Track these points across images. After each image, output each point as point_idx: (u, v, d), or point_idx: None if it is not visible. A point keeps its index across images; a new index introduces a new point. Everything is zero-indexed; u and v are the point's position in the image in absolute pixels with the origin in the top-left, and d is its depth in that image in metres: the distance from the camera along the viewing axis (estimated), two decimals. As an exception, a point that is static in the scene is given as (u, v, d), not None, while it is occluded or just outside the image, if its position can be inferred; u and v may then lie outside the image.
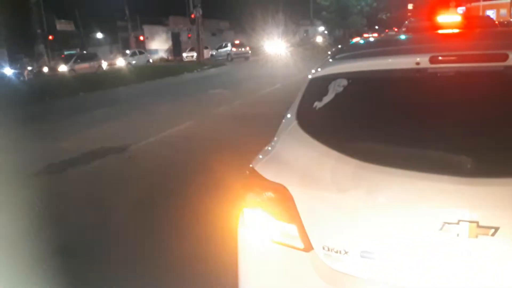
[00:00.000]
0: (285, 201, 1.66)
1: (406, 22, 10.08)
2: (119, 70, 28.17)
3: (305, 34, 56.02)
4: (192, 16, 30.49)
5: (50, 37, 34.54)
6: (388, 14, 55.20)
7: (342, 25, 52.94)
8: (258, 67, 19.66)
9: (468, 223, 1.37)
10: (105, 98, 15.06)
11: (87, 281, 3.07)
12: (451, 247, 1.41)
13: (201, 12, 30.37)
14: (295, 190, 1.65)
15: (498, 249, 1.37)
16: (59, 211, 4.47)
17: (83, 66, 28.60)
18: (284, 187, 1.66)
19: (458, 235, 1.39)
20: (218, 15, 43.76)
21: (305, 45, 42.88)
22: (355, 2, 53.29)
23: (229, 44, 36.68)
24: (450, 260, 1.43)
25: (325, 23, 57.42)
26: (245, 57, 36.02)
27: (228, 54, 35.67)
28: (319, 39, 52.36)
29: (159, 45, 47.01)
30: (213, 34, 46.38)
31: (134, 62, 34.55)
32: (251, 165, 1.87)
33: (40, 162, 6.32)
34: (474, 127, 1.54)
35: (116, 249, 3.55)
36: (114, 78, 21.26)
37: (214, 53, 37.26)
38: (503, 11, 34.87)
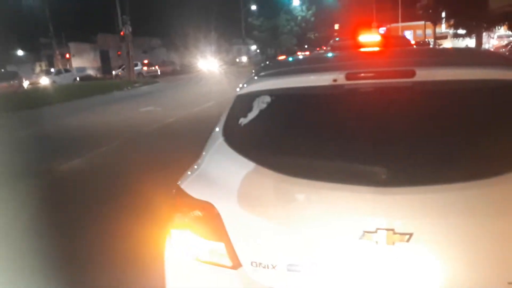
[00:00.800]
0: (212, 219, 1.65)
1: (331, 41, 10.60)
2: (43, 89, 26.62)
3: (237, 53, 56.89)
4: (122, 33, 29.73)
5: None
6: (316, 34, 57.70)
7: (274, 44, 54.51)
8: (191, 85, 19.55)
9: (385, 230, 1.43)
10: (27, 118, 14.15)
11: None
12: (372, 255, 1.47)
13: (130, 29, 29.68)
14: (222, 208, 1.65)
15: (413, 254, 1.44)
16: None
17: (1, 86, 26.63)
18: (211, 205, 1.66)
19: (377, 242, 1.45)
20: (150, 32, 43.10)
21: (238, 63, 43.46)
22: (285, 23, 55.21)
23: (139, 63, 37.65)
24: (372, 267, 1.48)
25: (257, 42, 58.80)
26: (154, 75, 37.42)
27: (140, 73, 36.27)
28: (251, 57, 53.48)
29: (87, 63, 45.24)
30: (144, 52, 45.56)
31: (59, 80, 32.89)
32: (178, 183, 1.85)
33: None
34: (388, 139, 1.61)
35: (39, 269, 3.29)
36: (36, 97, 20.02)
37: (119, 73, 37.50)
38: (419, 32, 37.90)
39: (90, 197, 5.27)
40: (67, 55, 44.94)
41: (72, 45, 45.89)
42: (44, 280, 3.27)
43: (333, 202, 1.53)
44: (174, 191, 1.83)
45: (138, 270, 3.15)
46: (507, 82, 1.71)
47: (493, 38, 23.41)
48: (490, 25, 19.45)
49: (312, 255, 1.54)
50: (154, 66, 39.66)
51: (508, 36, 19.58)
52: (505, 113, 1.70)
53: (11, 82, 27.63)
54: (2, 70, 32.77)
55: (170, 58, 44.14)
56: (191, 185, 1.79)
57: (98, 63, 46.05)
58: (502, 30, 20.34)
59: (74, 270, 3.39)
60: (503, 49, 20.08)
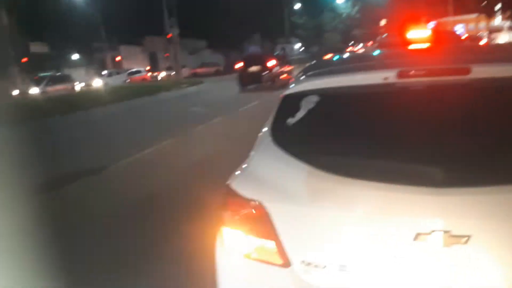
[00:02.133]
0: (262, 217, 1.66)
1: (379, 37, 10.38)
2: (95, 91, 27.84)
3: (282, 51, 56.87)
4: (168, 35, 30.52)
5: (24, 60, 34.01)
6: (363, 31, 56.50)
7: (318, 41, 53.92)
8: (235, 85, 19.79)
9: (441, 232, 1.40)
10: (78, 119, 14.86)
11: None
12: (426, 257, 1.43)
13: (177, 32, 30.41)
14: (272, 206, 1.66)
15: (471, 257, 1.40)
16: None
17: (57, 88, 28.12)
18: (261, 204, 1.67)
19: (432, 244, 1.41)
20: (196, 34, 43.93)
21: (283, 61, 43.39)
22: (329, 20, 54.47)
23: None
24: (426, 269, 1.44)
25: (301, 40, 58.41)
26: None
27: (125, 81, 36.65)
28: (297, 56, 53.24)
29: (136, 65, 46.90)
30: (191, 53, 46.52)
31: (111, 82, 34.28)
32: (227, 183, 1.87)
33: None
34: (443, 138, 1.58)
35: (99, 258, 3.48)
36: (87, 99, 20.95)
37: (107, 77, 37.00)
38: (471, 26, 36.22)
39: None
40: (118, 58, 46.72)
41: (122, 48, 47.64)
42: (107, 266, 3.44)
43: (386, 203, 1.50)
44: (224, 189, 1.86)
45: (191, 267, 3.22)
46: None
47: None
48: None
49: (364, 257, 1.52)
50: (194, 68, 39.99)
51: None
52: None
53: (65, 85, 29.20)
54: (58, 73, 34.57)
55: (215, 59, 44.71)
56: (240, 184, 1.81)
57: (146, 65, 47.55)
58: None
59: (130, 264, 3.54)
60: None
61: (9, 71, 28.87)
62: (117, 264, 3.54)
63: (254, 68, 19.25)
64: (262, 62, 19.21)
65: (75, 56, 47.04)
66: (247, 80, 19.22)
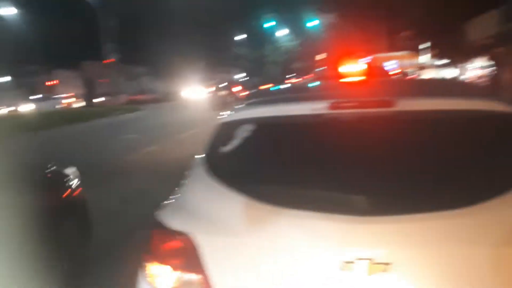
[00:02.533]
0: (190, 250, 1.60)
1: (316, 70, 10.75)
2: (20, 117, 26.19)
3: (221, 81, 57.65)
4: (107, 61, 29.83)
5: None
6: (303, 63, 58.94)
7: (260, 72, 55.43)
8: (177, 112, 19.54)
9: (365, 261, 1.40)
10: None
11: None
12: (352, 285, 1.43)
13: (118, 57, 29.84)
14: (200, 238, 1.60)
15: (392, 284, 1.41)
16: None
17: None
18: (190, 236, 1.61)
19: (357, 273, 1.41)
20: (136, 60, 43.37)
21: (224, 90, 43.85)
22: (271, 52, 56.43)
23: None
24: None
25: (243, 70, 59.74)
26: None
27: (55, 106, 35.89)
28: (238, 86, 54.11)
29: (71, 90, 45.14)
30: (129, 79, 45.72)
31: (40, 107, 32.65)
32: (155, 213, 1.80)
33: None
34: (369, 168, 1.61)
35: None
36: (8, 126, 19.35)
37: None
38: (402, 62, 38.89)
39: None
40: (51, 82, 44.82)
41: (57, 72, 45.84)
42: None
43: (314, 232, 1.51)
44: (151, 221, 1.77)
45: None
46: (483, 112, 1.78)
47: (472, 68, 24.12)
48: (469, 56, 20.16)
49: (291, 286, 1.50)
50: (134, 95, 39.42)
51: (487, 67, 20.24)
52: (482, 143, 1.73)
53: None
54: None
55: (155, 86, 44.26)
56: (169, 215, 1.75)
57: (82, 90, 45.96)
58: (481, 61, 21.01)
59: None
60: (482, 79, 20.68)
61: None
62: None
63: (222, 93, 24.06)
64: (229, 87, 24.85)
65: (4, 79, 44.41)
66: (217, 103, 22.21)
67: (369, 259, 1.40)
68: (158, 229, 1.72)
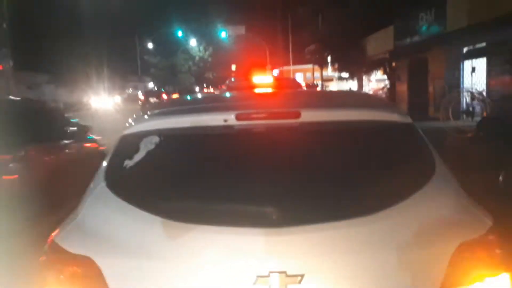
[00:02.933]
0: (91, 275, 1.49)
1: (227, 81, 10.94)
2: None
3: (132, 90, 55.53)
4: (0, 67, 27.13)
5: None
6: (214, 74, 59.16)
7: (172, 82, 54.47)
8: (85, 123, 18.35)
9: (277, 273, 1.41)
10: None
11: None
12: None
13: (11, 63, 27.26)
14: (103, 262, 1.50)
15: None
16: None
17: None
18: (91, 260, 1.50)
19: (270, 287, 1.41)
20: (35, 67, 39.99)
21: (135, 100, 42.30)
22: (183, 62, 55.79)
23: None
24: None
25: (154, 79, 58.26)
26: None
27: None
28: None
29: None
30: (30, 88, 42.10)
31: None
32: (52, 236, 1.67)
33: None
34: (277, 179, 1.62)
35: None
36: None
37: None
38: (309, 75, 40.91)
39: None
40: None
41: None
42: None
43: (225, 246, 1.48)
44: (47, 245, 1.64)
45: None
46: (383, 122, 1.87)
47: (371, 81, 26.14)
48: (368, 70, 21.76)
49: None
50: None
51: (385, 80, 22.05)
52: (383, 152, 1.82)
53: None
54: None
55: (58, 95, 41.19)
56: (67, 238, 1.63)
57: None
58: (379, 74, 22.77)
59: None
60: (380, 91, 22.43)
61: None
62: None
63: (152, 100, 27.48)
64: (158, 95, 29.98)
65: None
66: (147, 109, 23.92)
67: (282, 272, 1.41)
68: (56, 253, 1.59)
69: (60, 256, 1.57)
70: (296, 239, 1.47)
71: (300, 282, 1.41)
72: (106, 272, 1.49)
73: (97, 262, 1.50)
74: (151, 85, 59.35)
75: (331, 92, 6.02)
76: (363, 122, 1.85)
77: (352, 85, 26.91)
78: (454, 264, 1.48)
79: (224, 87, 9.13)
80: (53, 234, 1.68)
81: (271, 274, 1.41)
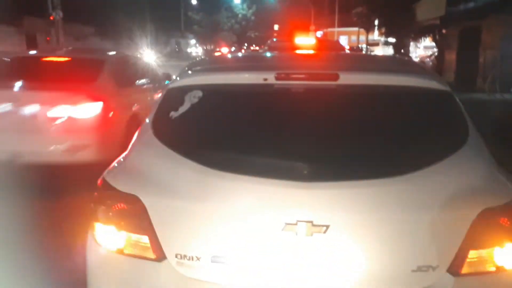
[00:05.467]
0: (137, 212, 1.64)
1: (269, 41, 10.83)
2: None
3: (176, 46, 55.80)
4: (51, 17, 27.87)
5: None
6: (256, 33, 58.30)
7: (213, 39, 54.24)
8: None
9: (304, 223, 1.52)
10: None
11: None
12: (293, 245, 1.55)
13: (61, 15, 27.93)
14: (147, 200, 1.64)
15: (329, 244, 1.54)
16: None
17: None
18: (137, 198, 1.65)
19: (297, 234, 1.53)
20: (82, 19, 40.74)
21: (177, 56, 42.57)
22: (225, 20, 55.18)
23: None
24: (293, 257, 1.56)
25: (196, 36, 58.18)
26: None
27: None
28: (192, 51, 52.75)
29: (10, 48, 41.94)
30: (77, 39, 43.16)
31: None
32: (103, 175, 1.82)
33: None
34: (312, 137, 1.71)
35: None
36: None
37: None
38: (354, 38, 39.64)
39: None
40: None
41: (-6, 27, 42.31)
42: None
43: (257, 196, 1.59)
44: (98, 183, 1.80)
45: (62, 264, 3.03)
46: (421, 89, 1.90)
47: (419, 48, 25.07)
48: (417, 36, 20.83)
49: (236, 247, 1.59)
50: None
51: (433, 47, 21.09)
52: (418, 117, 1.86)
53: None
54: None
55: (103, 47, 42.00)
56: (116, 178, 1.78)
57: (23, 48, 42.84)
58: (427, 41, 21.83)
59: None
60: (428, 59, 21.55)
61: None
62: None
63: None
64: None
65: None
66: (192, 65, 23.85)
67: (308, 221, 1.52)
68: (106, 191, 1.75)
69: (110, 193, 1.73)
70: (324, 193, 1.56)
71: (325, 232, 1.52)
72: (149, 209, 1.63)
73: (142, 200, 1.64)
74: (193, 41, 59.36)
75: (372, 56, 5.84)
76: (401, 87, 1.89)
77: (398, 51, 25.90)
78: (475, 228, 1.53)
79: (265, 46, 9.07)
80: (104, 174, 1.84)
81: (298, 222, 1.52)
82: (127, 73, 5.56)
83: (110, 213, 1.71)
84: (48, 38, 34.25)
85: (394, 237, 1.55)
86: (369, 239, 1.55)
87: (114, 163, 1.95)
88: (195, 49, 52.80)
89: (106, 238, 1.72)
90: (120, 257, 1.69)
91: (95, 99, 4.42)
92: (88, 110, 4.37)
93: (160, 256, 1.63)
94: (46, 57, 5.50)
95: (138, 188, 1.68)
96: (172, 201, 1.64)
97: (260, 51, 14.24)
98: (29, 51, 5.96)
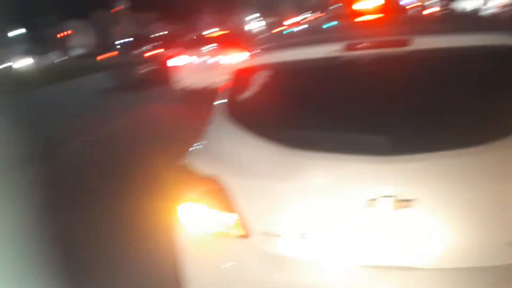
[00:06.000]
0: (219, 192, 1.68)
1: (331, 7, 10.46)
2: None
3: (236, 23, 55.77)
4: (117, 8, 29.12)
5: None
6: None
7: (273, 9, 53.46)
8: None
9: (389, 198, 1.47)
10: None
11: None
12: (378, 221, 1.51)
13: (127, 5, 29.07)
14: (229, 180, 1.68)
15: (415, 219, 1.48)
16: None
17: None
18: (219, 179, 1.69)
19: (382, 209, 1.48)
20: (147, 6, 42.12)
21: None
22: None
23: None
24: (378, 233, 1.52)
25: (255, 8, 57.71)
26: None
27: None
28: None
29: (85, 40, 44.68)
30: (142, 27, 44.78)
31: (44, 61, 32.43)
32: (183, 158, 1.88)
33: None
34: (391, 108, 1.63)
35: (50, 251, 3.26)
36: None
37: None
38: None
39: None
40: (63, 33, 44.33)
41: (71, 23, 45.16)
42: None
43: (339, 172, 1.56)
44: (179, 165, 1.85)
45: (150, 245, 3.17)
46: (505, 47, 1.71)
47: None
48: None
49: (319, 224, 1.58)
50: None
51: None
52: (503, 79, 1.71)
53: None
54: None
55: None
56: (197, 160, 1.82)
57: (94, 40, 45.39)
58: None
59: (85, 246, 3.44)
60: (504, 8, 19.56)
61: None
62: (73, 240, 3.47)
63: None
64: None
65: (14, 33, 43.86)
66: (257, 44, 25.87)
67: (393, 196, 1.46)
68: (189, 173, 1.78)
69: (193, 175, 1.77)
70: (407, 166, 1.49)
71: (409, 206, 1.45)
72: (231, 189, 1.66)
73: (223, 180, 1.68)
74: (253, 16, 58.97)
75: (445, 15, 5.32)
76: (481, 48, 1.72)
77: (471, 3, 23.72)
78: None
79: (327, 14, 8.79)
80: (185, 156, 1.90)
81: (381, 198, 1.47)
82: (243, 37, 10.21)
83: (193, 194, 1.75)
84: (114, 31, 35.87)
85: (485, 208, 1.46)
86: (457, 212, 1.46)
87: (193, 146, 2.00)
88: (258, 23, 52.46)
89: (191, 219, 1.77)
90: (206, 236, 1.74)
91: (242, 51, 7.67)
92: (240, 57, 6.90)
93: (246, 234, 1.66)
94: (210, 34, 10.25)
95: (218, 169, 1.71)
96: (254, 181, 1.65)
97: (322, 20, 13.80)
98: (202, 32, 11.54)
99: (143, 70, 12.47)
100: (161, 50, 12.64)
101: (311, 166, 1.60)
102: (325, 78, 1.84)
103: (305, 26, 13.95)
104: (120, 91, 12.48)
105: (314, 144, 1.62)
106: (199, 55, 8.69)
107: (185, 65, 8.81)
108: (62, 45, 41.09)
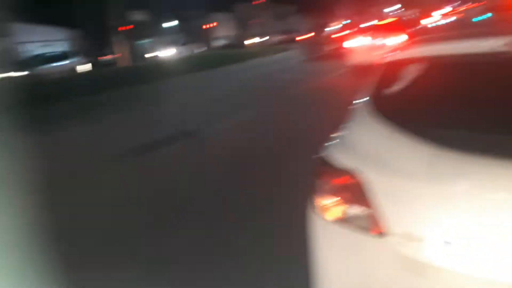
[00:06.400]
0: (359, 186, 1.63)
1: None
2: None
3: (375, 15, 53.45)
4: (259, 1, 30.32)
5: (125, 28, 36.43)
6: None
7: (412, 3, 50.01)
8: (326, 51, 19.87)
9: None
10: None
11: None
12: None
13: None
14: (370, 176, 1.62)
15: None
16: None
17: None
18: (359, 173, 1.64)
19: None
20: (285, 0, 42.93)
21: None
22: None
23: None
24: None
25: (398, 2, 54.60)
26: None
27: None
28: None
29: (226, 32, 47.56)
30: (278, 19, 45.76)
31: (193, 51, 35.46)
32: (323, 151, 1.87)
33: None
34: None
35: (186, 234, 3.50)
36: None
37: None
38: None
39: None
40: (208, 25, 47.83)
41: (215, 15, 48.49)
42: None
43: (493, 177, 1.43)
44: (318, 158, 1.84)
45: (282, 237, 3.13)
46: None
47: None
48: None
49: (466, 232, 1.45)
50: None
51: None
52: None
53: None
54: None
55: (301, 25, 43.55)
56: (338, 153, 1.79)
57: (236, 32, 48.02)
58: None
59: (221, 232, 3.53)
60: None
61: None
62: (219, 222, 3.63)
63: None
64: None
65: (167, 25, 48.72)
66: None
67: None
68: (328, 165, 1.75)
69: (332, 168, 1.73)
70: None
71: None
72: (372, 184, 1.59)
73: (364, 175, 1.61)
74: (393, 9, 55.93)
75: None
76: None
77: None
78: None
79: (480, 5, 7.95)
80: (325, 148, 1.87)
81: None
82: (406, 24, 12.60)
83: (332, 187, 1.72)
84: (253, 21, 37.51)
85: None
86: None
87: (333, 137, 1.95)
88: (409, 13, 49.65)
89: (327, 211, 1.75)
90: (341, 229, 1.70)
91: (403, 33, 10.55)
92: (402, 38, 9.85)
93: (382, 233, 1.59)
94: (380, 22, 13.40)
95: (360, 164, 1.66)
96: (395, 178, 1.57)
97: (472, 12, 12.55)
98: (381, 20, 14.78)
99: (327, 48, 19.65)
100: (343, 33, 18.87)
101: (463, 169, 1.47)
102: (486, 75, 1.70)
103: (454, 17, 13.58)
104: (309, 62, 18.61)
105: (467, 146, 1.50)
106: (369, 38, 11.47)
107: (357, 46, 11.62)
108: (206, 37, 44.36)
